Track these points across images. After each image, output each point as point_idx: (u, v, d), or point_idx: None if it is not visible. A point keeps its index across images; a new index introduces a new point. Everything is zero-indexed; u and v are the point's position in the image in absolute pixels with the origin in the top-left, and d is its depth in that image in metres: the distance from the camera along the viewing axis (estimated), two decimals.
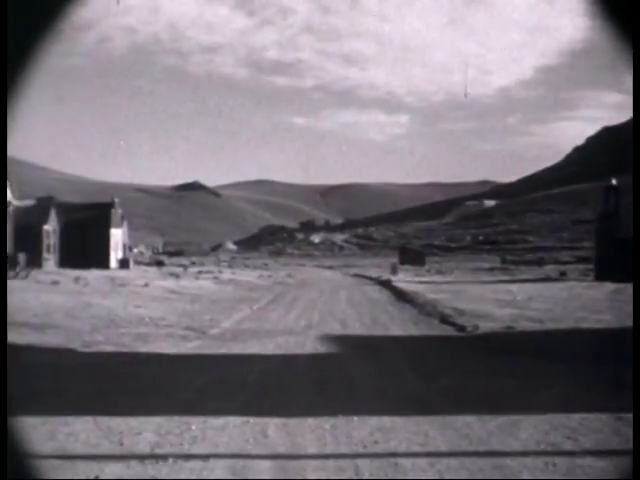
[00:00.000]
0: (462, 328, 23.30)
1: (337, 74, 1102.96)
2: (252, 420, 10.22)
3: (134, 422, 10.03)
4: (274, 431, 9.70)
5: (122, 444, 9.03)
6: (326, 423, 10.08)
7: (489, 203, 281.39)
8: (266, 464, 8.30)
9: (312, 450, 8.89)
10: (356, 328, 24.49)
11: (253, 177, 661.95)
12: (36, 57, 5.16)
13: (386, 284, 54.84)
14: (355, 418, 10.36)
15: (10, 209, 57.23)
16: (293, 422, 10.15)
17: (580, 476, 8.08)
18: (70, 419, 10.16)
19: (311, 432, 9.68)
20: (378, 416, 10.53)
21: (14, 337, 19.26)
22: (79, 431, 9.59)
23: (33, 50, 5.16)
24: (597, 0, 5.40)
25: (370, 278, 68.93)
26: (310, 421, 10.20)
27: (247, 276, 64.60)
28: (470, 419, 10.42)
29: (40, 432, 9.52)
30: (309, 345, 19.54)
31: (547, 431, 9.80)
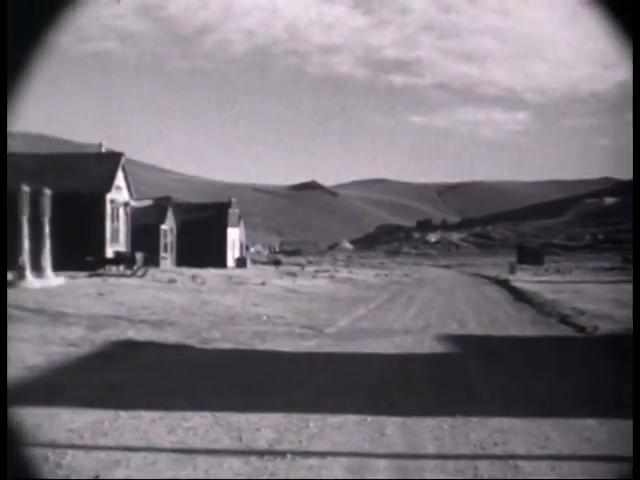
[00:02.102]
0: (581, 329, 22.83)
1: (456, 71, 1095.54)
2: (370, 419, 10.17)
3: (253, 418, 10.09)
4: (392, 430, 9.63)
5: (241, 440, 9.08)
6: (444, 423, 9.96)
7: (609, 200, 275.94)
8: (383, 463, 8.25)
9: (430, 450, 8.80)
10: (474, 328, 24.23)
11: (370, 176, 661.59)
12: (37, 56, 5.19)
13: (504, 283, 54.18)
14: (474, 419, 10.22)
15: (128, 209, 58.44)
16: (411, 421, 10.06)
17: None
18: (189, 414, 10.28)
19: (429, 432, 9.58)
20: (497, 417, 10.36)
21: (133, 334, 19.65)
22: (198, 426, 9.69)
23: (33, 50, 5.19)
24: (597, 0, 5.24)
25: (488, 277, 68.20)
26: (428, 421, 10.10)
27: (363, 275, 64.60)
28: (591, 422, 10.17)
29: (159, 426, 9.66)
30: (427, 344, 19.39)
31: None
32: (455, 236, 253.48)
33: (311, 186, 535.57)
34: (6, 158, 5.34)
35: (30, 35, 5.05)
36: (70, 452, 8.34)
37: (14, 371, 13.87)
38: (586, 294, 37.68)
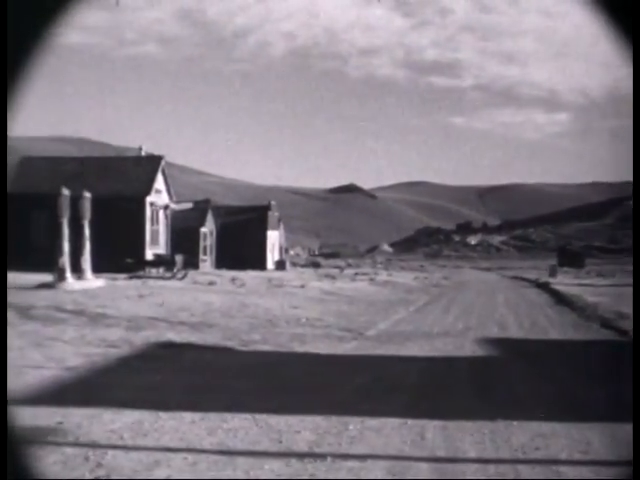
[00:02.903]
0: (623, 332, 22.60)
1: (496, 73, 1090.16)
2: (410, 422, 10.12)
3: (292, 420, 10.07)
4: (432, 433, 9.57)
5: (281, 442, 9.07)
6: (485, 427, 9.89)
7: None
8: (424, 466, 8.20)
9: (471, 454, 8.73)
10: (514, 331, 24.08)
11: (410, 178, 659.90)
12: (36, 57, 5.18)
13: (544, 287, 53.86)
14: (514, 423, 10.14)
15: (168, 212, 58.75)
16: (452, 425, 10.00)
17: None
18: (229, 416, 10.28)
19: (470, 435, 9.51)
20: (538, 421, 10.27)
21: (172, 336, 19.72)
22: (238, 428, 9.69)
23: (33, 50, 5.18)
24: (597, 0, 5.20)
25: (528, 280, 67.84)
26: (469, 424, 10.02)
27: (403, 278, 64.48)
28: (632, 427, 10.03)
29: (199, 427, 9.68)
30: (467, 348, 19.30)
31: None
32: (495, 239, 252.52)
33: (350, 189, 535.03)
34: (6, 158, 5.35)
35: (30, 33, 5.05)
36: (110, 452, 8.38)
37: (54, 372, 13.98)
38: (628, 297, 37.29)
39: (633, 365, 12.48)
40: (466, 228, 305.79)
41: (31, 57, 5.12)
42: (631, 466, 7.68)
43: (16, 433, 7.22)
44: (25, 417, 9.96)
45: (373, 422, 10.10)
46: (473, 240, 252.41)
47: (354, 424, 9.93)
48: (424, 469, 8.11)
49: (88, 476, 7.58)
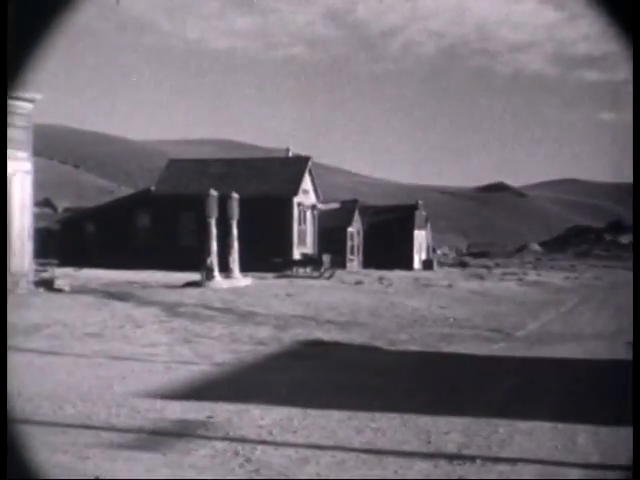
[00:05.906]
0: None
1: None
2: (560, 426, 9.92)
3: (441, 421, 10.00)
4: (584, 439, 9.35)
5: (429, 442, 9.02)
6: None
7: None
8: (575, 472, 8.03)
9: (623, 461, 8.48)
10: None
11: (561, 176, 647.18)
12: (37, 57, 5.18)
13: None
14: None
15: (315, 212, 59.23)
16: (604, 431, 9.75)
17: None
18: (377, 415, 10.28)
19: (622, 442, 9.24)
20: None
21: (320, 334, 19.85)
22: (386, 428, 9.68)
23: (35, 50, 5.19)
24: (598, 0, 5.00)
25: None
26: (622, 431, 9.73)
27: (552, 278, 63.29)
28: None
29: (348, 426, 9.71)
30: (620, 351, 18.79)
31: None
32: None
33: (499, 187, 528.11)
34: (6, 158, 5.50)
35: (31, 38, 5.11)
36: (260, 448, 8.49)
37: (203, 367, 14.28)
38: None
39: (633, 366, 11.98)
40: (617, 227, 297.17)
41: (32, 60, 5.18)
42: (630, 470, 7.41)
43: (16, 434, 7.37)
44: (175, 411, 10.22)
45: (523, 425, 9.95)
46: (625, 239, 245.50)
47: (504, 427, 9.79)
48: (575, 474, 7.95)
49: (238, 470, 7.70)
